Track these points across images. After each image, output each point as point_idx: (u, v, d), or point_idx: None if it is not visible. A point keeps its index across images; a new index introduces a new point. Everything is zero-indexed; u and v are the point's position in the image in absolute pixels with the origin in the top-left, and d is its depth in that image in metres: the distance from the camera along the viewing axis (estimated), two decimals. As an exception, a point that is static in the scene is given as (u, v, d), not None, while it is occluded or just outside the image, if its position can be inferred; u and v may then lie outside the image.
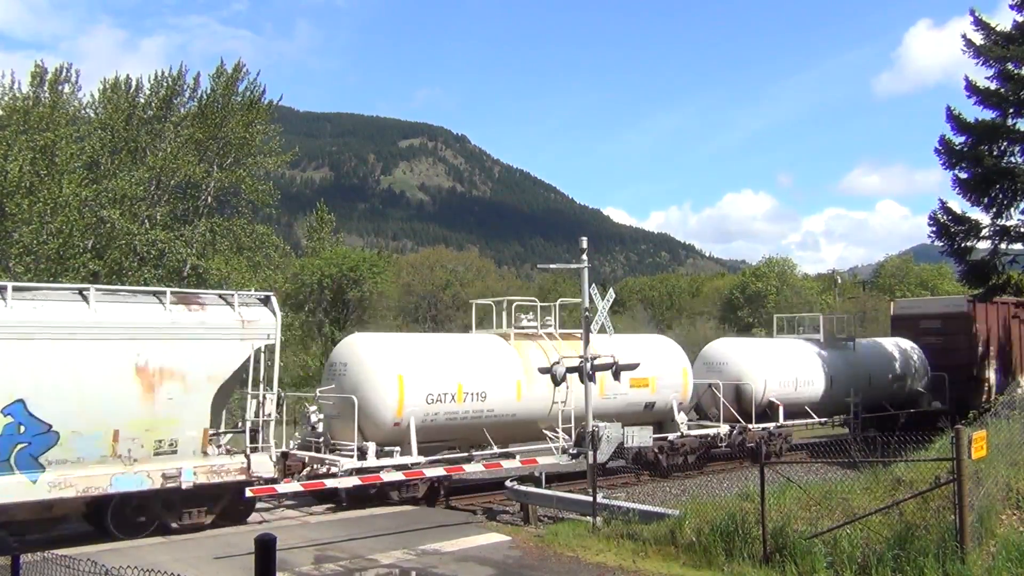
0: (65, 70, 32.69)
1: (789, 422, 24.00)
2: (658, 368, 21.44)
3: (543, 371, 17.89)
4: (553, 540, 13.36)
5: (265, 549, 5.93)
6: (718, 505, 12.78)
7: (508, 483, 16.28)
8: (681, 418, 21.81)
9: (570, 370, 18.07)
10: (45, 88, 31.68)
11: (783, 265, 70.60)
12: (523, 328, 19.70)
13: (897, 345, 29.41)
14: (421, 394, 16.85)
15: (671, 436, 21.36)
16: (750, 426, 22.65)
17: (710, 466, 22.81)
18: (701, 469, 21.88)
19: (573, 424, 18.60)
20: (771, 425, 23.40)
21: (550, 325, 20.20)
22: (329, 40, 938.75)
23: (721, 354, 24.37)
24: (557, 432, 18.57)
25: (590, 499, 14.25)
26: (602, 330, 17.60)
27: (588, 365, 17.15)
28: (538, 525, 14.96)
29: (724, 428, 22.30)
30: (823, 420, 25.73)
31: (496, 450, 17.89)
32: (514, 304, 20.09)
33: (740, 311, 66.86)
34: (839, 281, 75.69)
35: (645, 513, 13.36)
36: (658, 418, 21.51)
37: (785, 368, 24.41)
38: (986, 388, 29.51)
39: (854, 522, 11.17)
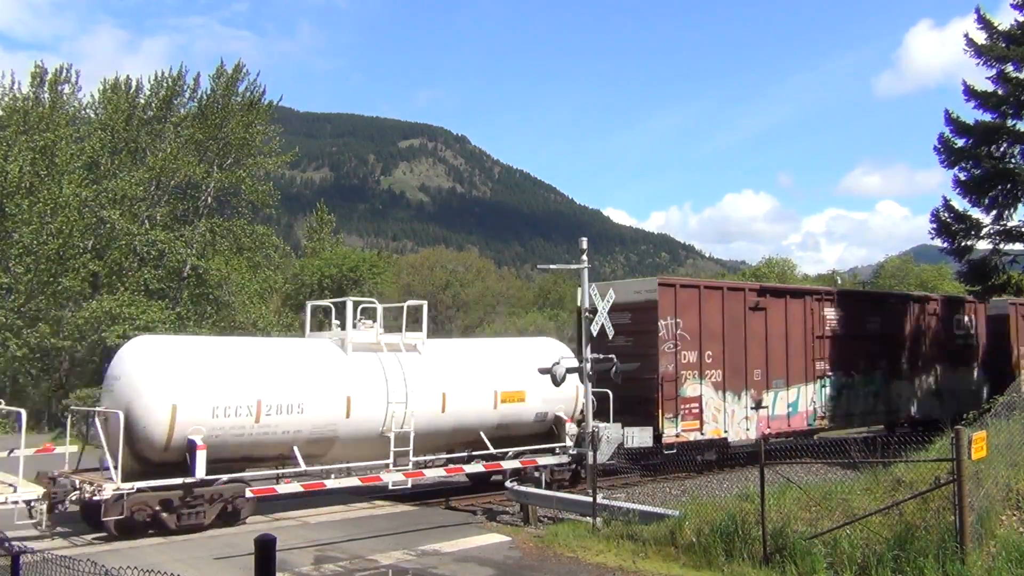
0: (65, 71, 32.85)
1: (227, 476, 14.50)
2: None
3: (543, 371, 17.86)
4: (553, 541, 13.36)
5: (265, 549, 5.94)
6: (718, 505, 12.78)
7: (508, 483, 16.27)
8: None
9: (570, 370, 18.07)
10: (45, 89, 31.79)
11: (783, 266, 70.56)
12: None
13: (527, 347, 20.20)
14: None
15: None
16: (111, 486, 13.23)
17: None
18: None
19: None
20: (165, 482, 13.81)
21: None
22: (330, 41, 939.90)
23: (121, 363, 14.52)
24: None
25: (590, 500, 14.25)
26: (602, 331, 17.51)
27: (588, 365, 17.16)
28: (538, 526, 14.96)
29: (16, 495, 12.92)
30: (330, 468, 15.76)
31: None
32: None
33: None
34: (839, 282, 75.64)
35: (645, 514, 13.36)
36: None
37: (233, 386, 14.58)
38: (696, 411, 20.71)
39: (854, 523, 11.17)
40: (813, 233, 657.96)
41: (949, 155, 24.97)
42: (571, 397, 19.06)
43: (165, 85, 32.46)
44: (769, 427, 22.18)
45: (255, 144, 32.79)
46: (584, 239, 17.52)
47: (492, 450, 17.65)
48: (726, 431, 21.32)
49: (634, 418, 19.30)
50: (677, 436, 20.22)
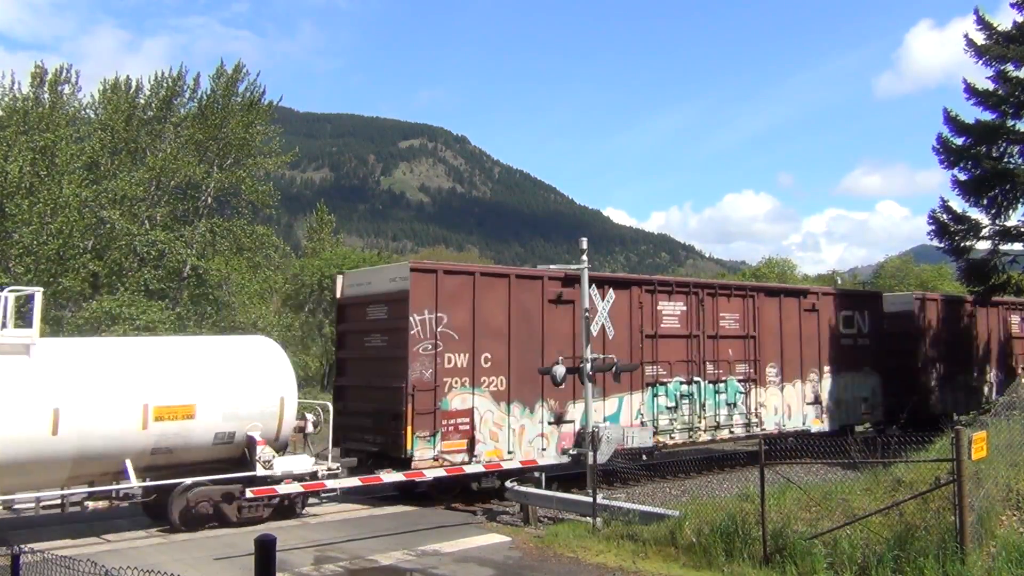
0: (65, 71, 32.77)
1: None
2: None
3: (542, 371, 17.87)
4: (553, 541, 13.37)
5: (265, 549, 5.95)
6: (718, 506, 12.79)
7: (508, 484, 16.28)
8: None
9: (570, 370, 18.08)
10: (45, 89, 31.74)
11: (783, 266, 70.56)
12: None
13: (214, 348, 15.96)
14: None
15: None
16: None
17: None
18: None
19: None
20: None
21: None
22: (330, 41, 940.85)
23: None
24: None
25: (590, 500, 14.26)
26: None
27: (588, 365, 17.17)
28: (538, 526, 14.97)
29: None
30: None
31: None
32: None
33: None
34: (839, 282, 75.63)
35: (645, 514, 13.37)
36: None
37: None
38: (464, 428, 16.91)
39: (854, 523, 11.17)
40: (813, 233, 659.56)
41: (948, 155, 24.95)
42: (271, 413, 14.83)
43: (165, 85, 32.43)
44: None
45: (255, 144, 32.77)
46: (584, 239, 17.54)
47: (134, 483, 13.45)
48: (511, 451, 17.44)
49: (376, 437, 16.49)
50: (435, 459, 16.37)
